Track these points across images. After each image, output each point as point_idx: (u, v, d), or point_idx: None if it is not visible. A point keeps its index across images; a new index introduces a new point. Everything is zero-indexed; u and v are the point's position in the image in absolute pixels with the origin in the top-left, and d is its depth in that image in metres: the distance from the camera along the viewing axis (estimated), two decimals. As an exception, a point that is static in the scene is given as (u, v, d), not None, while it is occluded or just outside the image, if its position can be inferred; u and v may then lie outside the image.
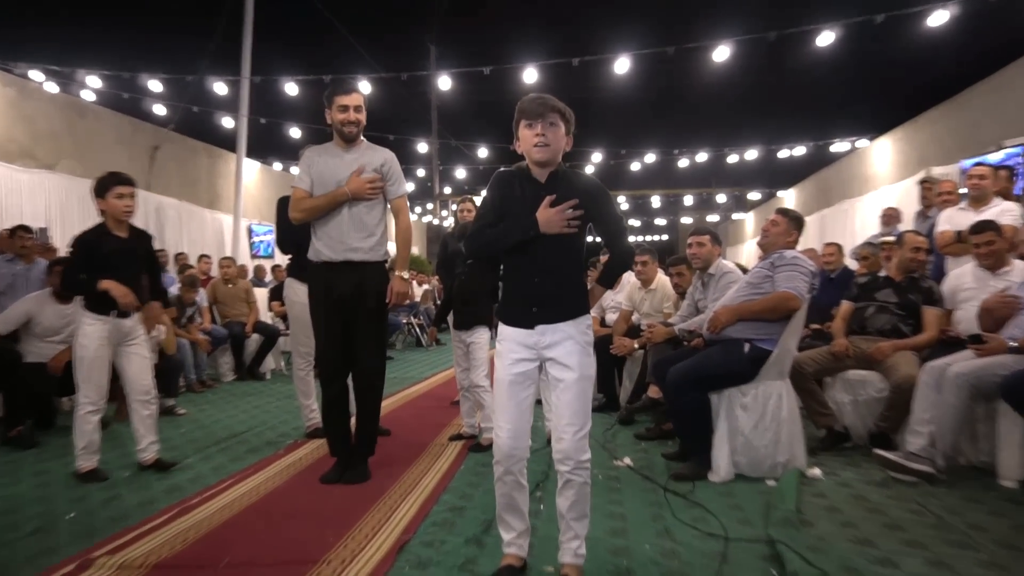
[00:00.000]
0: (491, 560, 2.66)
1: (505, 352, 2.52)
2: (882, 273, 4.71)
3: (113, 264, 3.78)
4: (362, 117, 3.75)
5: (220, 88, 11.47)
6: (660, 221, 33.61)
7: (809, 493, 3.44)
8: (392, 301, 3.74)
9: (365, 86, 10.97)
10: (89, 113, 10.50)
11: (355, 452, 3.82)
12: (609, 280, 2.71)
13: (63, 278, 3.98)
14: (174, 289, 7.41)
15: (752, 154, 17.16)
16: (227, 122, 12.37)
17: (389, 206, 3.86)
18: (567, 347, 2.47)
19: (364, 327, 3.74)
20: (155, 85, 11.63)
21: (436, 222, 23.80)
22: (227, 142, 12.88)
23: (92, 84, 10.91)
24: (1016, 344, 3.59)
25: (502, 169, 2.66)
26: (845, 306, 4.69)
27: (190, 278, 7.27)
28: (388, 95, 13.30)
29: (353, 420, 3.88)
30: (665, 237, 40.85)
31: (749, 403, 3.74)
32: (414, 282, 13.58)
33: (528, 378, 2.50)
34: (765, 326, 3.79)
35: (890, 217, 7.76)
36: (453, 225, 6.04)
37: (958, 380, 3.56)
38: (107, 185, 3.79)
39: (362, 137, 3.83)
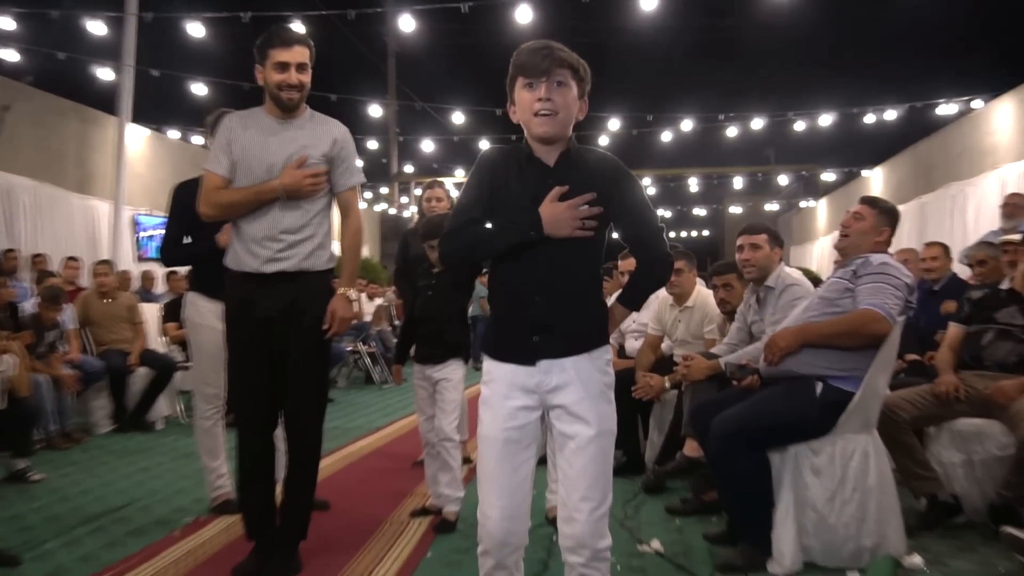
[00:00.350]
0: None
1: (496, 399, 2.51)
2: (1004, 285, 4.73)
3: None
4: (306, 79, 3.76)
5: (96, 28, 11.41)
6: (699, 211, 33.91)
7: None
8: (333, 329, 3.73)
9: (297, 27, 10.97)
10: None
11: (281, 534, 3.79)
12: (635, 299, 2.72)
13: None
14: (29, 305, 7.35)
15: (826, 120, 17.29)
16: (105, 74, 12.35)
17: (335, 199, 3.89)
18: (580, 391, 2.47)
19: (299, 361, 3.75)
20: (4, 23, 11.51)
21: (393, 211, 23.88)
22: (105, 101, 12.88)
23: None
24: None
25: (492, 146, 2.67)
26: (953, 330, 4.69)
27: (52, 290, 7.21)
28: (328, 39, 13.30)
29: (280, 489, 3.85)
30: (706, 234, 41.14)
31: (823, 465, 3.74)
32: (363, 295, 13.57)
33: (527, 435, 2.50)
34: (844, 358, 3.79)
35: (1015, 207, 7.82)
36: (417, 218, 6.03)
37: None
38: None
39: (305, 104, 3.84)
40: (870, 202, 4.14)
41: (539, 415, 2.51)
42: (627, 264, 6.10)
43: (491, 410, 2.51)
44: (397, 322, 14.06)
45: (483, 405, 2.55)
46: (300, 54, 3.74)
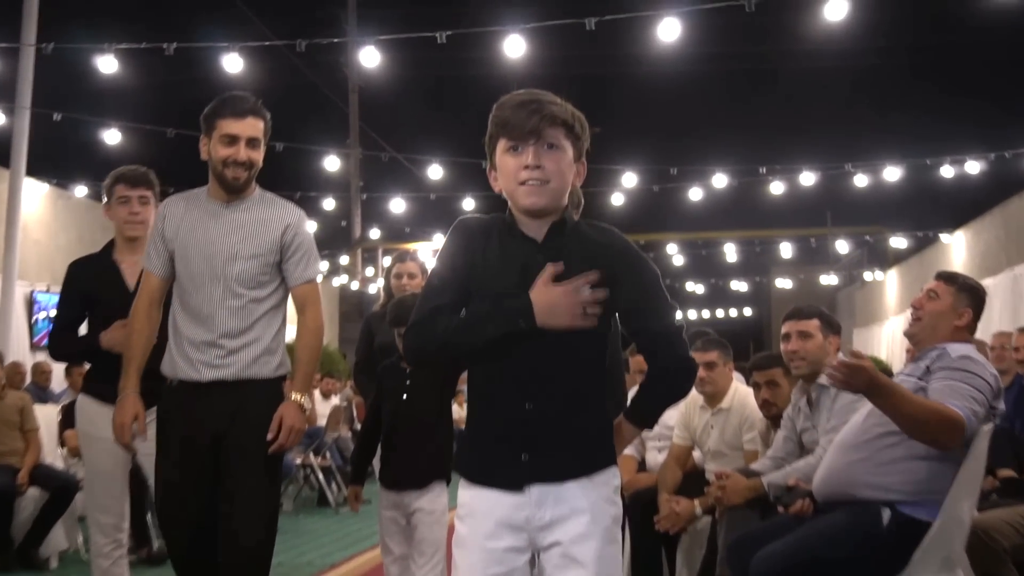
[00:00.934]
0: None
1: (474, 539, 2.51)
2: None
3: None
4: (257, 156, 4.02)
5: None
6: (738, 286, 34.01)
7: None
8: (279, 441, 3.87)
9: (234, 61, 11.09)
10: None
11: None
12: (646, 414, 2.73)
13: None
14: None
15: (894, 173, 17.42)
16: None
17: (290, 294, 4.14)
18: (580, 526, 2.46)
19: (242, 485, 3.88)
20: None
21: (355, 286, 23.91)
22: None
23: None
24: None
25: (470, 216, 2.70)
26: None
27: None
28: (277, 74, 13.45)
29: None
30: (748, 314, 41.26)
31: (895, 615, 3.70)
32: (317, 391, 13.52)
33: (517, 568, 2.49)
34: (916, 478, 3.79)
35: None
36: (383, 298, 6.02)
37: None
38: None
39: (255, 184, 4.07)
40: (947, 278, 4.17)
41: (528, 558, 2.49)
42: (640, 361, 6.08)
43: (469, 554, 2.50)
44: (358, 426, 13.97)
45: (459, 547, 2.54)
46: (252, 127, 3.97)
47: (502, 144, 2.51)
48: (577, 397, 2.52)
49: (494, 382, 2.55)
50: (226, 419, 3.82)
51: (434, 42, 9.36)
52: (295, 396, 3.93)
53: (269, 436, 3.85)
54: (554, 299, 2.43)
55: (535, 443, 2.47)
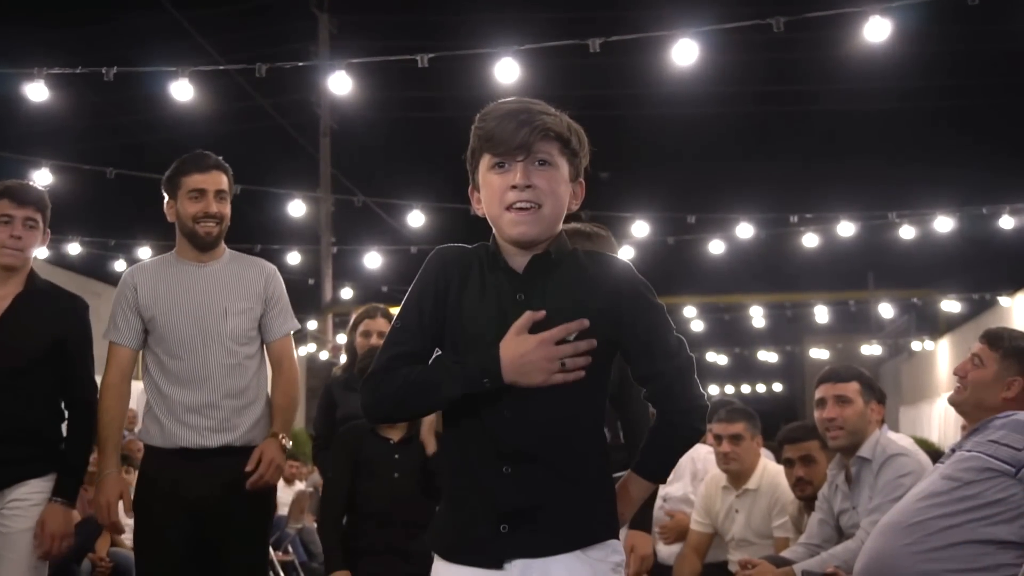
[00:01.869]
0: None
1: None
2: None
3: None
4: (226, 210, 4.49)
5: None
6: (767, 356, 34.14)
7: None
8: (264, 477, 4.28)
9: (184, 88, 11.11)
10: None
11: None
12: (657, 465, 2.69)
13: None
14: None
15: (945, 224, 17.46)
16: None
17: (266, 349, 4.65)
18: None
19: (246, 562, 4.46)
20: None
21: (325, 355, 23.86)
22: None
23: None
24: None
25: (450, 246, 2.68)
26: None
27: None
28: (234, 106, 13.53)
29: None
30: (778, 389, 41.34)
31: None
32: (281, 478, 13.47)
33: None
34: (978, 567, 3.76)
35: None
36: (344, 361, 6.00)
37: None
38: None
39: (223, 243, 4.50)
40: (990, 340, 4.16)
41: None
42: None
43: None
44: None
45: None
46: (217, 180, 4.43)
47: (486, 160, 2.50)
48: (568, 457, 2.50)
49: (468, 444, 2.52)
50: (227, 488, 4.24)
51: (415, 66, 9.42)
52: (280, 435, 4.42)
53: (248, 468, 4.24)
54: (526, 352, 2.37)
55: (516, 513, 2.44)
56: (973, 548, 3.77)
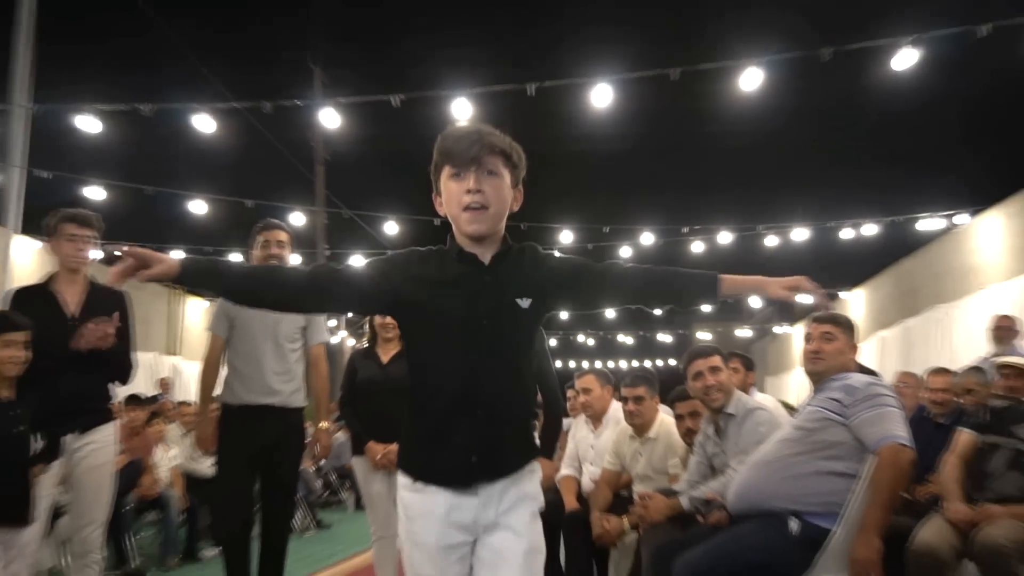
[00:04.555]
0: None
1: (425, 536, 2.53)
2: None
3: None
4: (285, 253, 5.39)
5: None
6: (664, 337, 34.19)
7: None
8: (319, 455, 5.81)
9: (206, 121, 11.06)
10: None
11: None
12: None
13: None
14: None
15: (801, 234, 17.58)
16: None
17: (310, 351, 5.47)
18: (520, 513, 2.53)
19: (287, 479, 5.39)
20: None
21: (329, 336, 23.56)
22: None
23: None
24: None
25: (417, 248, 2.70)
26: (966, 436, 4.80)
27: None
28: (247, 139, 13.40)
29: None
30: (672, 363, 41.38)
31: (800, 611, 3.75)
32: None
33: (461, 548, 2.54)
34: (820, 491, 3.88)
35: (1005, 331, 8.03)
36: (368, 335, 6.00)
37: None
38: None
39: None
40: (832, 320, 4.28)
41: (470, 549, 2.54)
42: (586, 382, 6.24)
43: (420, 525, 2.54)
44: (323, 463, 13.83)
45: (411, 544, 2.57)
46: (280, 235, 5.38)
47: (446, 171, 2.53)
48: (520, 401, 2.59)
49: (443, 393, 2.54)
50: (274, 434, 5.14)
51: (389, 106, 9.46)
52: (323, 424, 5.52)
53: (317, 456, 5.85)
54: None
55: (486, 445, 2.51)
56: (817, 478, 3.88)
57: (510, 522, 2.51)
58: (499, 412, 2.53)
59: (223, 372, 5.37)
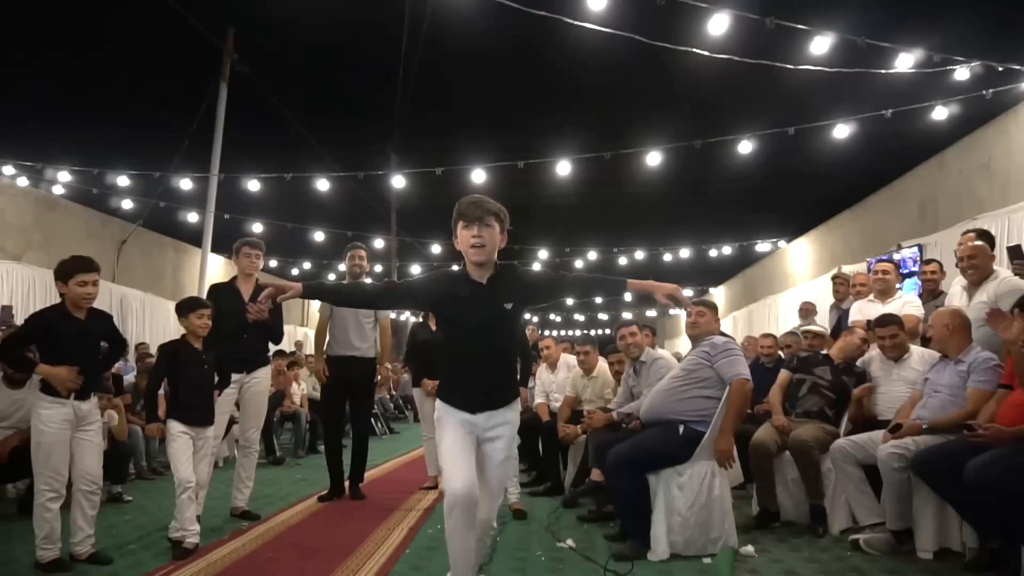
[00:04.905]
0: None
1: (448, 423, 2.60)
2: (824, 351, 4.81)
3: (69, 346, 3.51)
4: (365, 264, 5.37)
5: (186, 184, 11.25)
6: (603, 316, 34.05)
7: (743, 570, 3.39)
8: (381, 381, 6.01)
9: (324, 183, 11.10)
10: (59, 207, 10.35)
11: (352, 479, 5.35)
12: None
13: (1, 348, 3.81)
14: (131, 377, 7.15)
15: (685, 252, 17.49)
16: (192, 217, 12.22)
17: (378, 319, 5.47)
18: (503, 430, 2.61)
19: (365, 404, 5.55)
20: (124, 181, 11.21)
21: (394, 315, 23.56)
22: (192, 237, 12.71)
23: (62, 179, 10.66)
24: (927, 425, 3.69)
25: (445, 270, 2.74)
26: (784, 375, 4.74)
27: (149, 367, 7.00)
28: (348, 195, 13.34)
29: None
30: (607, 332, 41.16)
31: (685, 483, 3.71)
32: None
33: (471, 440, 2.59)
34: (698, 407, 3.83)
35: (807, 311, 8.06)
36: (422, 317, 6.14)
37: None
38: (70, 271, 3.54)
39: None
40: (703, 304, 4.22)
41: (475, 439, 2.60)
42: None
43: (446, 427, 2.60)
44: (394, 392, 13.78)
45: (439, 426, 2.63)
46: (362, 253, 5.41)
47: (460, 223, 2.56)
48: (508, 368, 2.69)
49: (465, 361, 2.62)
50: (357, 374, 5.21)
51: (434, 175, 9.45)
52: (386, 364, 5.91)
53: (377, 383, 5.55)
54: None
55: (486, 392, 2.61)
56: (695, 400, 3.85)
57: (496, 436, 2.61)
58: (495, 369, 2.63)
59: (328, 336, 5.34)
